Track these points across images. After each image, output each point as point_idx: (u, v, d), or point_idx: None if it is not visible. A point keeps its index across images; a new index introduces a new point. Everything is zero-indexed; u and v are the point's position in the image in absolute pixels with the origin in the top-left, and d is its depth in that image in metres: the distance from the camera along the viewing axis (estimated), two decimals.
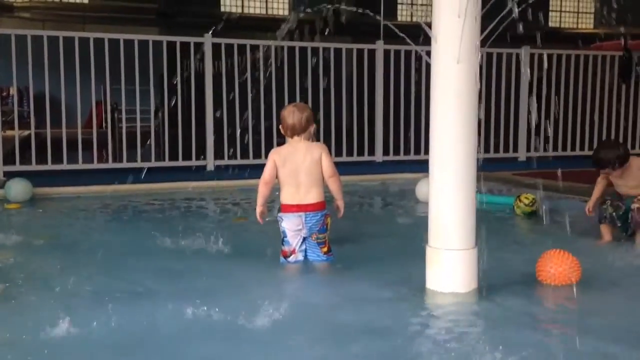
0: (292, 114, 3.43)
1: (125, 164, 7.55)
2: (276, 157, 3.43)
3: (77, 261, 3.54)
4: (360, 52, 8.51)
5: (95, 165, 7.50)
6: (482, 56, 2.98)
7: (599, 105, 9.55)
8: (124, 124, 7.97)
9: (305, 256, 3.43)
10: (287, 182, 3.41)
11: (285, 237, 3.42)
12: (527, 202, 5.02)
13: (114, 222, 5.06)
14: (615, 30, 13.24)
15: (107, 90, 7.80)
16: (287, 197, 3.41)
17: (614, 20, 13.92)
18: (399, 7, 14.78)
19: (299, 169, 3.38)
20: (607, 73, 9.52)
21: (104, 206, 5.65)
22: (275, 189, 3.51)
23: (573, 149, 9.47)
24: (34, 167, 7.11)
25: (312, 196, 3.38)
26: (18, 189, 5.64)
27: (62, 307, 2.63)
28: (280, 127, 3.52)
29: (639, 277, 3.19)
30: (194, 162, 7.74)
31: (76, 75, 7.28)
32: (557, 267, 2.95)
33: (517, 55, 8.89)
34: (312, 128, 3.49)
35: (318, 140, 3.57)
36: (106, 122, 8.42)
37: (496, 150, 8.96)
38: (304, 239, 3.41)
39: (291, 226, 3.39)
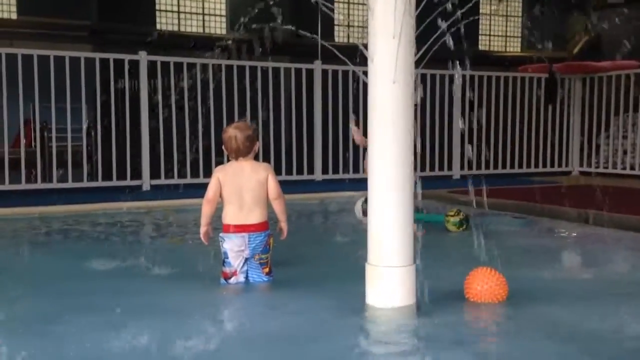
0: (234, 138, 3.34)
1: (55, 185, 7.28)
2: (221, 175, 3.35)
3: (2, 286, 3.36)
4: (298, 71, 8.58)
5: (24, 185, 7.20)
6: (417, 76, 3.06)
7: (527, 125, 9.98)
8: (54, 143, 7.70)
9: (246, 277, 3.37)
10: (230, 201, 3.32)
11: (227, 258, 3.33)
12: (452, 213, 5.16)
13: (43, 244, 4.84)
14: (540, 53, 13.90)
15: (36, 109, 7.52)
16: (230, 216, 3.33)
17: (539, 44, 14.61)
18: (336, 28, 15.01)
19: (243, 188, 3.31)
20: (534, 94, 9.97)
21: (33, 228, 5.41)
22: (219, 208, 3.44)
23: (504, 167, 9.83)
24: None
25: (256, 216, 3.31)
26: None
27: None
28: (223, 148, 3.45)
29: (567, 292, 3.30)
30: (128, 182, 7.55)
31: (3, 92, 7.00)
32: (483, 284, 2.98)
33: (450, 76, 9.19)
34: (257, 146, 3.45)
35: (257, 158, 3.53)
36: (35, 141, 8.11)
37: (431, 168, 9.19)
38: (246, 259, 3.34)
39: (233, 247, 3.31)
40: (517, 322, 2.78)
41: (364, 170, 4.61)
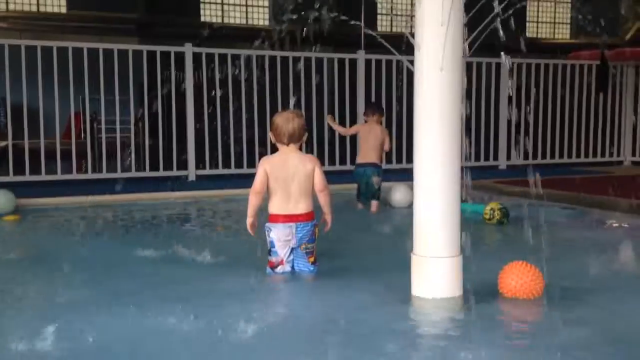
0: (290, 121, 3.34)
1: (104, 174, 7.47)
2: (267, 166, 3.35)
3: (62, 273, 3.47)
4: (341, 61, 8.54)
5: (74, 175, 7.41)
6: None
7: (578, 113, 9.70)
8: (103, 134, 7.89)
9: (292, 267, 3.38)
10: (277, 192, 3.33)
11: (273, 247, 3.35)
12: (487, 217, 4.99)
13: (94, 233, 4.97)
14: (591, 40, 13.47)
15: (86, 101, 7.71)
16: (277, 207, 3.34)
17: (590, 30, 14.16)
18: (379, 17, 14.88)
19: (290, 179, 3.32)
20: (585, 82, 9.68)
21: (86, 217, 5.57)
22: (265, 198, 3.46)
23: (552, 156, 9.59)
24: (11, 178, 6.99)
25: (303, 206, 3.33)
26: (2, 200, 5.57)
27: (43, 317, 2.59)
28: (271, 134, 3.42)
29: (612, 287, 3.17)
30: (175, 172, 7.69)
31: (54, 85, 7.20)
32: (519, 279, 2.86)
33: (497, 64, 9.00)
34: (305, 136, 3.46)
35: (300, 148, 3.53)
36: (85, 132, 8.32)
37: (477, 158, 9.04)
38: (292, 249, 3.35)
39: (280, 236, 3.32)
40: (559, 320, 2.67)
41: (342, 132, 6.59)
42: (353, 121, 8.50)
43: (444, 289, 2.87)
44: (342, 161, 8.40)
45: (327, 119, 6.38)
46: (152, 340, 2.43)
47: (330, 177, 7.44)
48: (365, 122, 6.13)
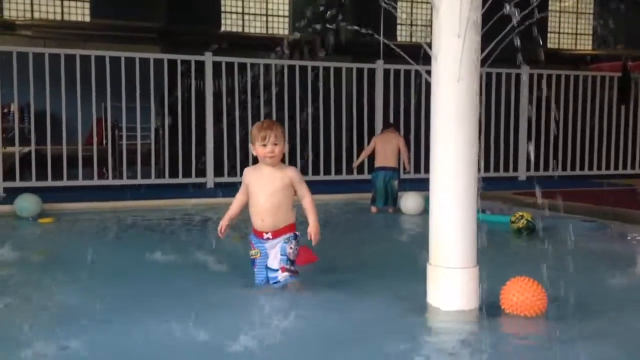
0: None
1: (125, 181, 7.55)
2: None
3: (77, 277, 3.52)
4: (360, 71, 8.56)
5: (96, 181, 7.51)
6: (482, 76, 2.99)
7: (599, 125, 9.60)
8: (124, 141, 8.00)
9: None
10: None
11: (295, 258, 3.33)
12: (514, 219, 5.02)
13: (113, 237, 5.04)
14: (613, 51, 13.34)
15: (107, 108, 7.82)
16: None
17: (612, 42, 14.03)
18: (399, 27, 14.90)
19: None
20: (606, 93, 9.58)
21: (108, 222, 5.66)
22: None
23: (573, 168, 9.49)
24: (34, 183, 7.11)
25: None
26: (29, 204, 5.71)
27: (52, 322, 2.63)
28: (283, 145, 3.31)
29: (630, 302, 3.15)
30: (193, 180, 7.75)
31: (77, 92, 7.31)
32: (520, 295, 2.79)
33: (517, 75, 8.95)
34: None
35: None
36: (106, 139, 8.43)
37: (496, 169, 8.98)
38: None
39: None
40: (575, 335, 2.61)
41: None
42: (370, 131, 8.52)
43: (460, 301, 2.84)
44: (360, 170, 8.40)
45: (354, 166, 7.01)
46: (150, 349, 2.42)
47: (350, 186, 7.49)
48: None
